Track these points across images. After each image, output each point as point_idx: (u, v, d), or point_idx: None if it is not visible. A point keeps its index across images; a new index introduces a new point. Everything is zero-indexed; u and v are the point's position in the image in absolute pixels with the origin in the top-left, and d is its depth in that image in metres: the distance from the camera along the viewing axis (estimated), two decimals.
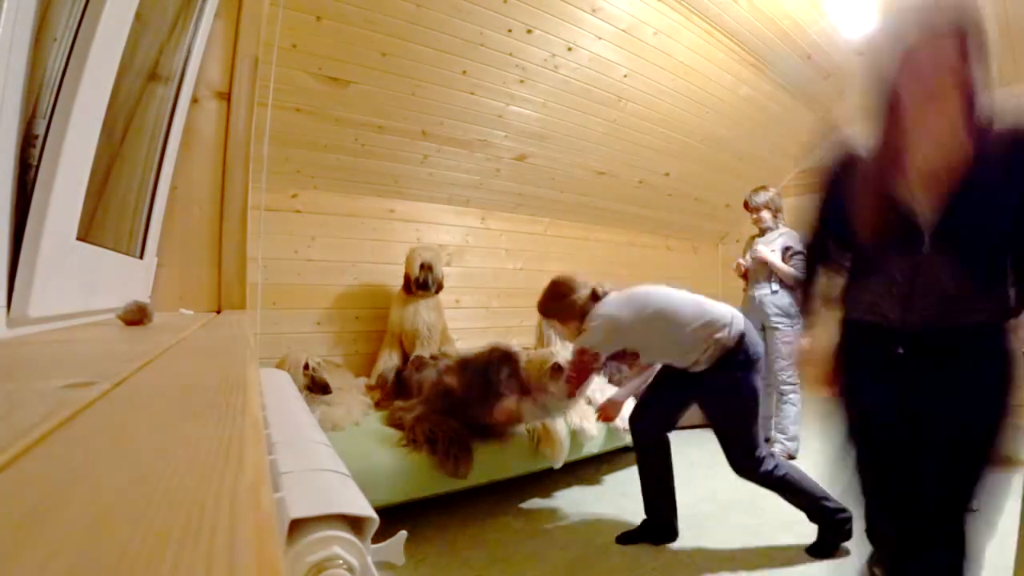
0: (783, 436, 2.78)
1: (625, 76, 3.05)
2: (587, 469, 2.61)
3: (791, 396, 2.78)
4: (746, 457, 1.78)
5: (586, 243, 4.20)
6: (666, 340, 1.79)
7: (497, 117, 2.96)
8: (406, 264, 2.80)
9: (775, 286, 2.84)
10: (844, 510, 1.72)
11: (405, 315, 2.78)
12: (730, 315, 1.80)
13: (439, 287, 2.83)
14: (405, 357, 2.78)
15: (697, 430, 3.38)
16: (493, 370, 2.11)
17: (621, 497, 2.29)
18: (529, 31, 2.59)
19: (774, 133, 4.21)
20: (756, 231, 3.05)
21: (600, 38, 2.76)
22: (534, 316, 3.71)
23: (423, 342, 2.81)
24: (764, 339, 2.88)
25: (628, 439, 2.56)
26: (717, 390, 1.78)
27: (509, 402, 2.02)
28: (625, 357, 2.24)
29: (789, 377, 2.78)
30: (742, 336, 1.75)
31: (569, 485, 2.43)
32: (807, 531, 1.94)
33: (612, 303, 1.84)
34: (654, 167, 3.92)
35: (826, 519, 1.77)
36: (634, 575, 1.65)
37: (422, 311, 2.83)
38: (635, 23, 2.75)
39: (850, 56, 3.29)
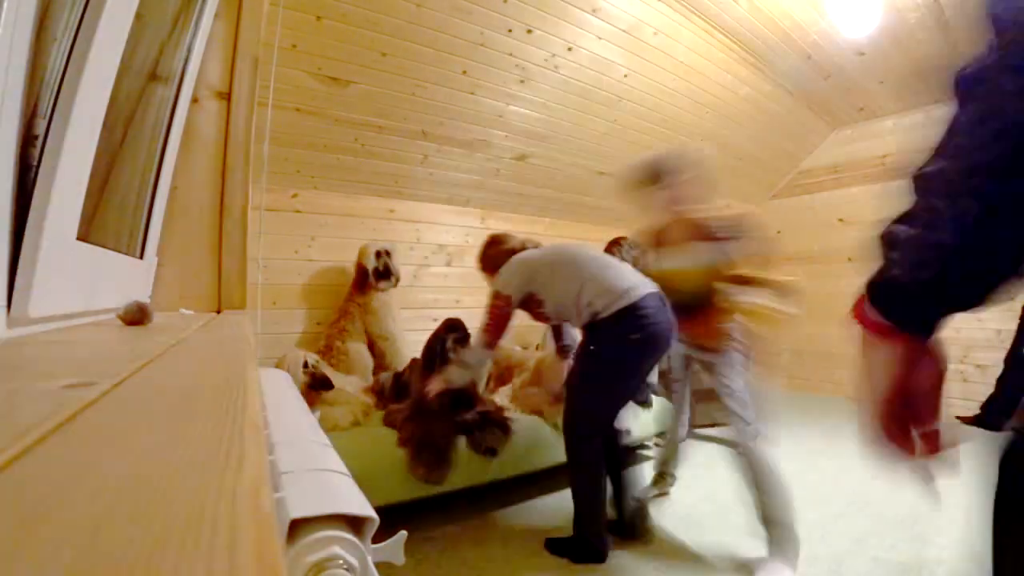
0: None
1: (625, 76, 3.05)
2: None
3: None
4: (571, 423, 1.81)
5: (586, 243, 4.20)
6: (565, 290, 1.79)
7: (497, 117, 2.96)
8: (359, 257, 2.71)
9: None
10: (601, 540, 1.75)
11: (380, 315, 2.72)
12: (629, 289, 1.72)
13: (397, 279, 2.77)
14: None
15: (697, 430, 3.39)
16: (439, 342, 2.12)
17: None
18: (529, 31, 2.59)
19: (774, 133, 4.21)
20: None
21: (600, 38, 2.76)
22: None
23: (397, 347, 2.76)
24: None
25: (627, 439, 2.55)
26: (578, 348, 1.84)
27: (434, 380, 1.96)
28: (532, 308, 2.03)
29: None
30: (623, 310, 1.69)
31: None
32: (807, 531, 1.94)
33: (530, 251, 1.92)
34: None
35: (584, 533, 1.76)
36: (634, 575, 1.65)
37: (394, 310, 2.78)
38: (635, 23, 2.75)
39: (850, 56, 3.29)
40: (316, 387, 2.08)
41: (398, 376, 2.53)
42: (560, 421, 2.23)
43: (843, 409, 4.01)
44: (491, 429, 2.07)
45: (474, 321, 2.28)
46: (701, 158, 1.87)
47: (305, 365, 2.10)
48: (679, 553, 1.79)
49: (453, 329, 2.17)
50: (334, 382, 2.18)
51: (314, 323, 2.86)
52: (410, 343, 2.90)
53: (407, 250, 3.20)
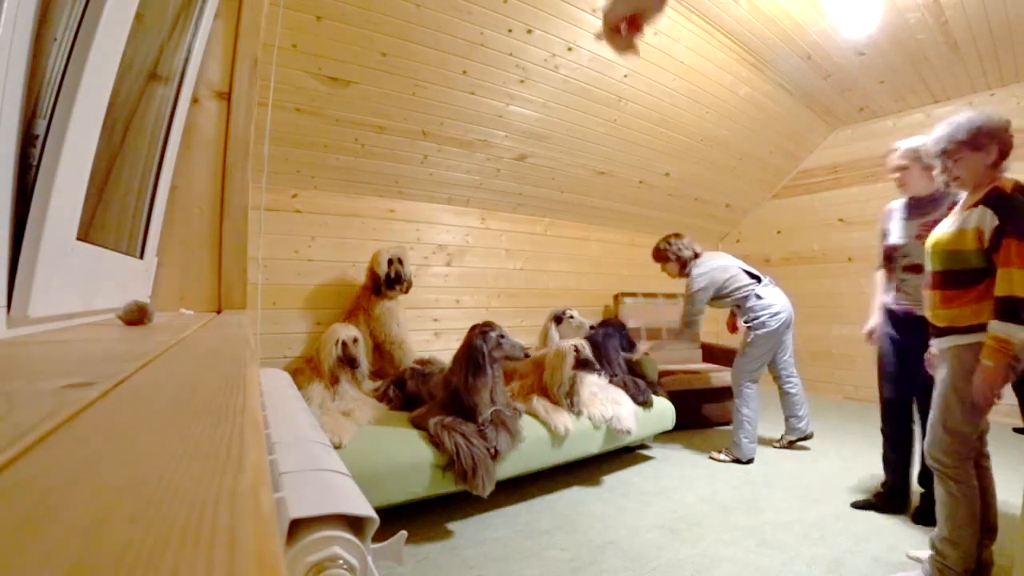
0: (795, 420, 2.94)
1: (625, 76, 3.05)
2: (587, 469, 2.61)
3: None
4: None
5: (586, 243, 4.20)
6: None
7: (497, 117, 2.96)
8: (372, 263, 2.73)
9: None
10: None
11: (383, 320, 2.74)
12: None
13: (409, 285, 2.78)
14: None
15: (697, 430, 3.39)
16: (478, 345, 2.13)
17: (621, 497, 2.29)
18: (529, 31, 2.59)
19: (774, 133, 4.21)
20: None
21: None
22: (534, 316, 3.72)
23: (405, 351, 2.79)
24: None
25: (628, 440, 2.56)
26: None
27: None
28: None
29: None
30: None
31: (569, 485, 2.43)
32: (807, 531, 1.94)
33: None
34: (654, 167, 3.92)
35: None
36: (633, 575, 1.65)
37: (400, 315, 2.80)
38: None
39: (850, 56, 3.29)
40: (343, 363, 2.22)
41: (400, 382, 2.53)
42: (556, 423, 2.25)
43: (843, 409, 4.00)
44: (501, 431, 2.09)
45: (471, 322, 2.29)
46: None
47: (344, 345, 2.23)
48: (679, 553, 1.79)
49: (488, 330, 2.18)
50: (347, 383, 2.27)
51: (314, 323, 2.86)
52: (415, 344, 2.92)
53: (407, 250, 3.20)
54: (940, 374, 1.58)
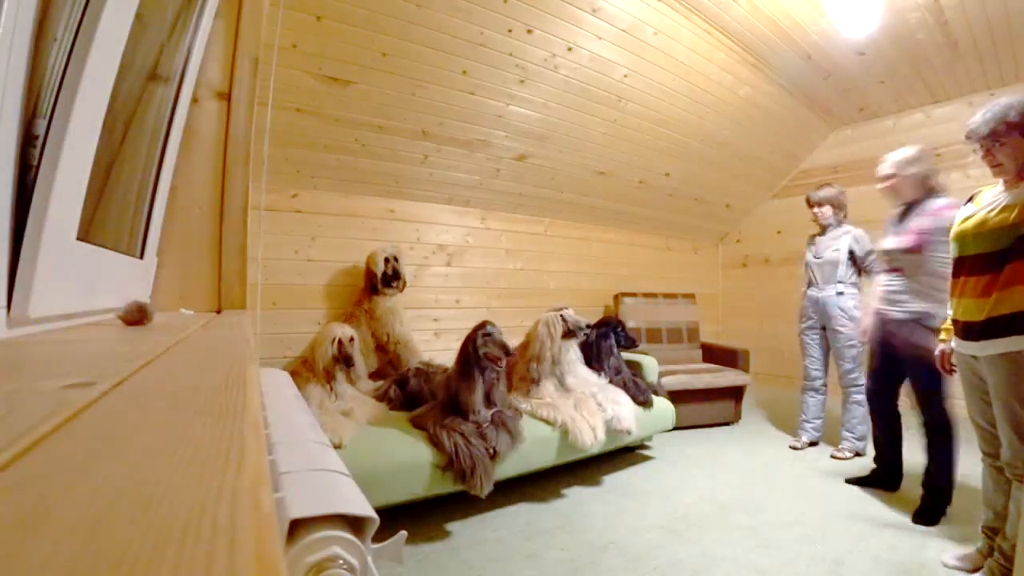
0: (851, 435, 2.81)
1: (625, 76, 3.05)
2: (587, 469, 2.61)
3: (857, 397, 2.78)
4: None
5: (586, 243, 4.20)
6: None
7: (497, 117, 2.96)
8: (369, 263, 2.77)
9: (841, 287, 2.81)
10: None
11: (385, 320, 2.75)
12: None
13: (404, 284, 2.82)
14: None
15: (697, 430, 3.39)
16: (473, 342, 2.15)
17: (621, 497, 2.29)
18: (529, 31, 2.59)
19: (774, 133, 4.21)
20: (816, 229, 2.99)
21: (600, 38, 2.76)
22: (534, 316, 3.71)
23: (411, 350, 2.80)
24: (824, 340, 2.92)
25: (628, 440, 2.56)
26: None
27: None
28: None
29: (855, 379, 2.79)
30: None
31: (569, 485, 2.43)
32: (807, 531, 1.94)
33: None
34: (654, 167, 3.92)
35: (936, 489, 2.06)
36: (633, 575, 1.65)
37: (401, 314, 2.82)
38: (635, 23, 2.75)
39: (850, 56, 3.29)
40: (339, 361, 2.24)
41: (403, 382, 2.53)
42: (561, 418, 2.26)
43: None
44: (501, 432, 2.09)
45: (471, 322, 2.28)
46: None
47: (339, 343, 2.26)
48: (679, 553, 1.79)
49: (482, 328, 2.19)
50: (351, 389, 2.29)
51: (314, 323, 2.86)
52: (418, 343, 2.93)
53: (407, 250, 3.20)
54: (993, 382, 1.49)
